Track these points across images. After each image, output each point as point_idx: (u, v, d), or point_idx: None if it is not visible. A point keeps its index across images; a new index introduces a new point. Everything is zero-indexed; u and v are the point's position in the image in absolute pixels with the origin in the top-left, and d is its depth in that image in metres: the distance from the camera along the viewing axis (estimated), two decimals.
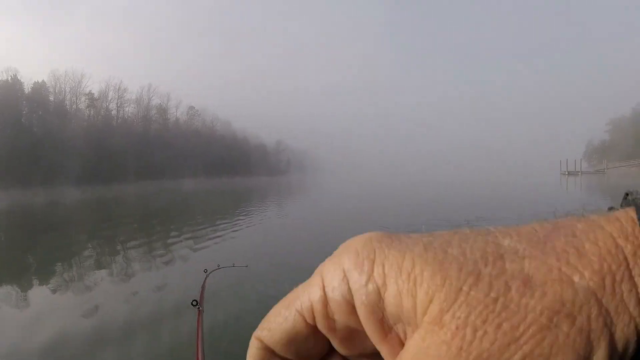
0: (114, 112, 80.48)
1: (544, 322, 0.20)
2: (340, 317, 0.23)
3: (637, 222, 0.21)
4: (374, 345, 0.24)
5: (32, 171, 56.11)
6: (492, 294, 0.20)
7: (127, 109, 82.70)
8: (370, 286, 0.21)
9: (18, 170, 54.67)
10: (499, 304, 0.20)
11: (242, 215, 19.39)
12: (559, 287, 0.20)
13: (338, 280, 0.22)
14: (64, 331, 5.63)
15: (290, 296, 0.25)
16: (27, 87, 67.27)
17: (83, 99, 75.40)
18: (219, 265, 4.47)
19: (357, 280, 0.22)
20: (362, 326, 0.23)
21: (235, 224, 16.19)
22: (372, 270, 0.22)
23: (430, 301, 0.20)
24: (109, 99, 79.30)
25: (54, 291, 8.11)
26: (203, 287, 4.24)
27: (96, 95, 76.75)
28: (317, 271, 0.24)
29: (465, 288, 0.20)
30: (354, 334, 0.23)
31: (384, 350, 0.23)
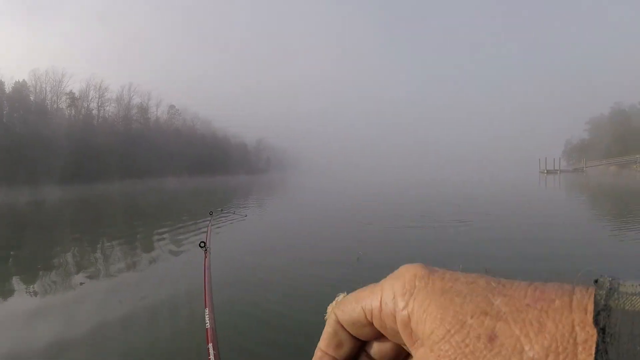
0: (94, 112, 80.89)
1: None
2: (388, 322, 0.31)
3: (593, 316, 0.24)
4: None
5: (15, 170, 56.65)
6: (467, 341, 0.26)
7: (107, 108, 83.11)
8: (405, 312, 0.30)
9: (1, 169, 55.20)
10: (469, 349, 0.26)
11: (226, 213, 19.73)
12: (511, 352, 0.25)
13: (390, 299, 0.31)
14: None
15: (361, 293, 0.34)
16: (8, 86, 67.34)
17: (64, 98, 75.56)
18: (221, 210, 5.37)
19: (399, 304, 0.30)
20: None
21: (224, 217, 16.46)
22: (408, 302, 0.30)
23: (431, 333, 0.28)
24: (90, 98, 79.73)
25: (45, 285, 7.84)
26: (209, 229, 4.86)
27: (77, 94, 77.06)
28: (382, 282, 0.33)
29: (452, 331, 0.27)
30: (398, 333, 0.31)
31: (412, 351, 0.31)
